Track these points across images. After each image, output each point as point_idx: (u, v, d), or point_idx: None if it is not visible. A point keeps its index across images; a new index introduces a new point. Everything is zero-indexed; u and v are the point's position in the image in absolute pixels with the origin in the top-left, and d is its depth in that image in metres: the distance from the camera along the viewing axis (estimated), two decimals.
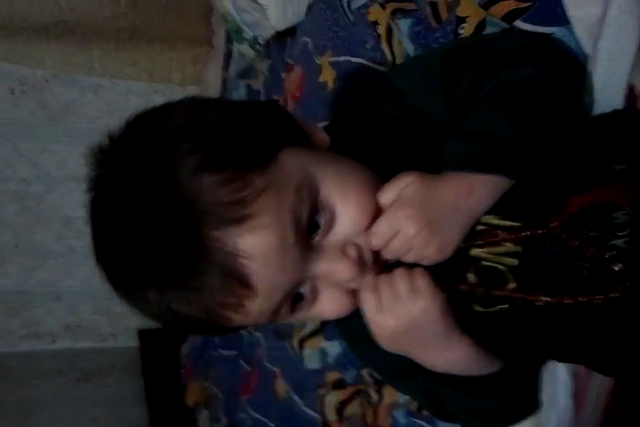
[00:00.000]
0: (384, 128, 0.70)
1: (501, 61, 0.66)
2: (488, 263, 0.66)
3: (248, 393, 1.65)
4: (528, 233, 0.64)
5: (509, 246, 0.66)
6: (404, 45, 1.07)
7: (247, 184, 0.56)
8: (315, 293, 0.64)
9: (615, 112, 0.79)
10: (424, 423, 1.02)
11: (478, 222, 0.65)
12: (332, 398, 1.29)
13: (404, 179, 0.63)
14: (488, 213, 0.64)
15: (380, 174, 0.66)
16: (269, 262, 0.58)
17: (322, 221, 0.61)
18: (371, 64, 1.19)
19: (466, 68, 0.66)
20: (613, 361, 0.75)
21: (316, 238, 0.61)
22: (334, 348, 1.31)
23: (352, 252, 0.62)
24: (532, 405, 0.78)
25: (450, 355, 0.67)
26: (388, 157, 0.69)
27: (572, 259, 0.65)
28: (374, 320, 0.64)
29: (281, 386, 1.48)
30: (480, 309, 0.68)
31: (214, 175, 0.56)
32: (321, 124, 1.35)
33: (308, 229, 0.60)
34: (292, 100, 1.54)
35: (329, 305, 0.65)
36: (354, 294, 0.65)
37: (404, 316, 0.63)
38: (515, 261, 0.66)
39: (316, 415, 1.35)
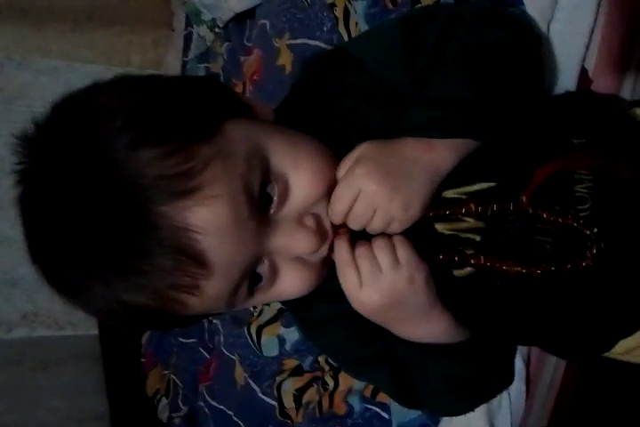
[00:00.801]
0: (341, 99, 0.68)
1: (463, 25, 0.64)
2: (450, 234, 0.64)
3: (207, 381, 1.64)
4: (496, 207, 0.62)
5: (471, 222, 0.64)
6: (360, 27, 1.06)
7: (192, 155, 0.52)
8: (274, 270, 0.60)
9: (567, 93, 0.79)
10: (378, 409, 1.02)
11: (442, 193, 0.63)
12: (289, 386, 1.28)
13: (359, 149, 0.61)
14: (456, 185, 0.63)
15: (334, 148, 0.63)
16: (224, 236, 0.53)
17: (275, 192, 0.57)
18: (328, 47, 1.18)
19: (427, 34, 0.65)
20: (570, 340, 0.74)
21: (271, 211, 0.57)
22: (292, 335, 1.31)
23: (310, 222, 0.59)
24: (505, 377, 0.75)
25: (431, 326, 0.64)
26: (342, 130, 0.67)
27: (535, 234, 0.64)
28: (357, 296, 0.60)
29: (239, 374, 1.47)
30: (458, 274, 0.65)
31: (153, 149, 0.51)
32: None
33: (260, 202, 0.56)
34: (250, 84, 1.52)
35: (290, 282, 0.61)
36: (315, 268, 0.61)
37: (388, 289, 0.59)
38: (477, 237, 0.64)
39: (273, 403, 1.34)
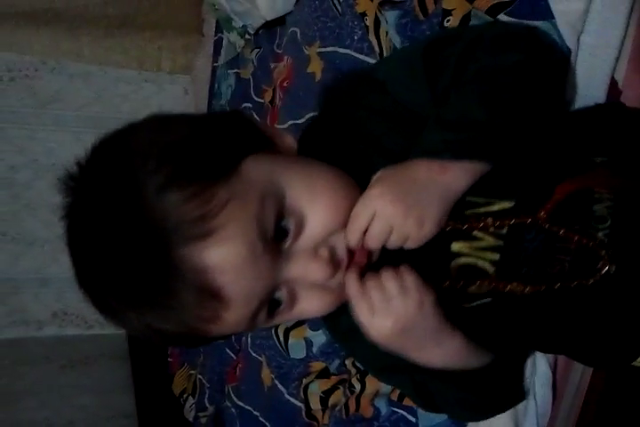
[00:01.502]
0: (365, 123, 0.70)
1: (484, 47, 0.65)
2: (469, 260, 0.67)
3: (234, 381, 1.66)
4: (514, 221, 0.64)
5: (490, 241, 0.66)
6: (391, 37, 1.07)
7: (211, 198, 0.56)
8: (293, 296, 0.64)
9: (597, 106, 0.80)
10: (405, 413, 1.03)
11: (464, 209, 0.64)
12: (315, 388, 1.30)
13: (376, 174, 0.63)
14: (474, 195, 0.64)
15: (359, 173, 0.66)
16: (239, 273, 0.58)
17: (290, 226, 0.60)
18: (358, 55, 1.19)
19: (449, 56, 0.66)
20: (594, 350, 0.76)
21: (287, 244, 0.61)
22: (319, 338, 1.32)
23: (324, 252, 0.62)
24: (518, 395, 0.80)
25: (443, 349, 0.67)
26: (366, 154, 0.69)
27: (554, 252, 0.65)
28: (371, 324, 0.63)
29: (266, 375, 1.49)
30: (464, 304, 0.68)
31: (179, 192, 0.56)
32: (309, 115, 1.36)
33: (276, 236, 0.60)
34: (280, 90, 1.55)
35: (311, 305, 0.65)
36: (335, 292, 0.65)
37: (400, 315, 0.62)
38: (496, 256, 0.66)
39: (300, 404, 1.35)
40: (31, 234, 2.16)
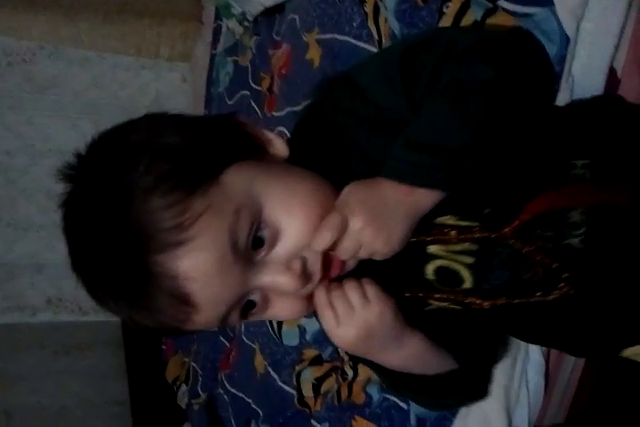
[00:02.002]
0: (347, 127, 0.71)
1: (455, 58, 0.65)
2: (445, 262, 0.69)
3: (227, 369, 1.66)
4: (478, 235, 0.67)
5: (465, 245, 0.68)
6: (390, 24, 1.07)
7: (187, 208, 0.58)
8: (266, 300, 0.66)
9: (595, 99, 0.79)
10: (397, 400, 1.04)
11: (434, 219, 0.67)
12: (308, 375, 1.30)
13: (347, 188, 0.65)
14: (445, 213, 0.66)
15: (341, 179, 0.67)
16: (208, 282, 0.60)
17: (266, 236, 0.62)
18: (357, 42, 1.19)
19: (424, 64, 0.66)
20: (577, 345, 0.77)
21: (261, 254, 0.63)
22: (312, 325, 1.32)
23: (296, 265, 0.63)
24: (480, 394, 0.84)
25: (404, 352, 0.70)
26: (349, 159, 0.70)
27: (527, 258, 0.67)
28: (336, 334, 0.67)
29: (260, 362, 1.49)
30: (433, 305, 0.72)
31: (162, 198, 0.58)
32: (305, 102, 1.36)
33: (253, 244, 0.62)
34: (278, 78, 1.54)
35: (281, 310, 0.68)
36: (306, 298, 0.67)
37: (361, 325, 0.66)
38: (470, 259, 0.68)
39: (292, 391, 1.36)
40: (27, 219, 2.16)
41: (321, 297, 0.66)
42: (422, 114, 0.65)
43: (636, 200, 0.67)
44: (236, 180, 0.62)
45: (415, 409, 0.99)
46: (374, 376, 1.10)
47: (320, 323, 0.69)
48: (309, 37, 1.35)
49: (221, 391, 1.66)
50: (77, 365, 2.14)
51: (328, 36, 1.28)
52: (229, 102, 1.86)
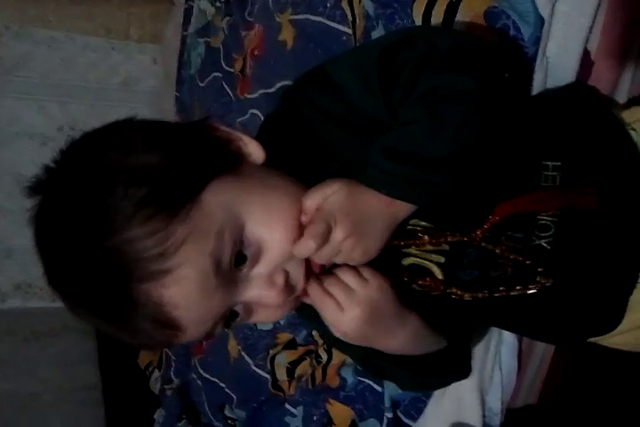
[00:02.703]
0: (321, 127, 0.70)
1: (434, 64, 0.64)
2: (417, 260, 0.70)
3: (200, 354, 1.65)
4: (449, 240, 0.68)
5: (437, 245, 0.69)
6: (365, 4, 1.05)
7: (170, 235, 0.58)
8: (249, 310, 0.66)
9: (568, 91, 0.79)
10: (371, 382, 1.04)
11: (405, 223, 0.67)
12: (282, 359, 1.30)
13: (330, 186, 0.64)
14: (415, 217, 0.67)
15: (313, 178, 0.66)
16: (193, 307, 0.61)
17: (248, 253, 0.62)
18: (330, 23, 1.17)
19: (402, 67, 0.65)
20: (548, 334, 0.80)
21: (244, 270, 0.63)
22: None
23: (279, 279, 0.64)
24: (464, 371, 0.84)
25: (406, 330, 0.70)
26: (324, 159, 0.70)
27: (495, 258, 0.69)
28: (340, 320, 0.67)
29: (233, 347, 1.48)
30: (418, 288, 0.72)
31: (143, 226, 0.57)
32: (280, 84, 1.34)
33: (236, 262, 0.62)
34: (251, 59, 1.52)
35: (266, 317, 0.69)
36: (287, 305, 0.67)
37: (365, 302, 0.66)
38: (441, 258, 0.70)
39: (266, 376, 1.35)
40: None
41: (316, 289, 0.66)
42: (400, 121, 0.65)
43: (605, 204, 0.69)
44: (216, 199, 0.61)
45: (390, 391, 0.99)
46: (348, 359, 1.10)
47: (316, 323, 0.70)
48: (282, 18, 1.34)
49: (194, 377, 1.65)
50: (48, 351, 2.12)
51: (301, 16, 1.26)
52: (201, 84, 1.84)
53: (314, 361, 1.20)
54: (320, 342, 1.22)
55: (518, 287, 0.69)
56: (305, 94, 0.72)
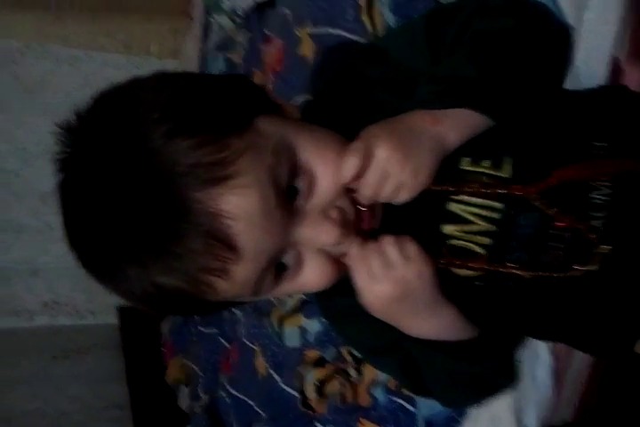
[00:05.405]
0: (369, 93, 0.69)
1: (481, 15, 0.66)
2: (460, 243, 0.66)
3: (228, 371, 1.64)
4: (504, 191, 0.63)
5: (483, 225, 0.65)
6: (385, 17, 1.05)
7: (224, 146, 0.55)
8: (298, 261, 0.63)
9: (600, 88, 0.78)
10: (403, 402, 1.02)
11: (456, 166, 0.64)
12: (311, 377, 1.28)
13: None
14: (467, 155, 0.64)
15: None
16: (253, 223, 0.57)
17: (301, 185, 0.60)
18: (351, 36, 1.16)
19: (449, 27, 0.66)
20: (592, 337, 0.75)
21: (298, 203, 0.60)
22: (314, 326, 1.30)
23: (334, 214, 0.61)
24: (509, 375, 0.78)
25: (437, 319, 0.66)
26: (374, 119, 0.67)
27: (547, 239, 0.64)
28: (369, 288, 0.63)
29: (261, 364, 1.47)
30: (465, 274, 0.67)
31: (187, 139, 0.55)
32: (301, 98, 1.33)
33: (287, 194, 0.59)
34: (271, 74, 1.51)
35: (313, 274, 0.64)
36: (338, 262, 0.64)
37: (399, 281, 0.62)
38: (488, 240, 0.65)
39: (295, 394, 1.34)
40: (20, 223, 2.13)
41: (355, 250, 0.63)
42: (444, 61, 0.65)
43: None
44: (270, 126, 0.60)
45: (423, 412, 0.98)
46: (379, 378, 1.09)
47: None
48: (302, 32, 1.33)
49: (223, 394, 1.64)
50: (77, 369, 2.13)
51: (321, 30, 1.25)
52: None
53: (343, 379, 1.19)
54: (349, 359, 1.20)
55: (576, 266, 0.64)
56: (352, 67, 0.73)
